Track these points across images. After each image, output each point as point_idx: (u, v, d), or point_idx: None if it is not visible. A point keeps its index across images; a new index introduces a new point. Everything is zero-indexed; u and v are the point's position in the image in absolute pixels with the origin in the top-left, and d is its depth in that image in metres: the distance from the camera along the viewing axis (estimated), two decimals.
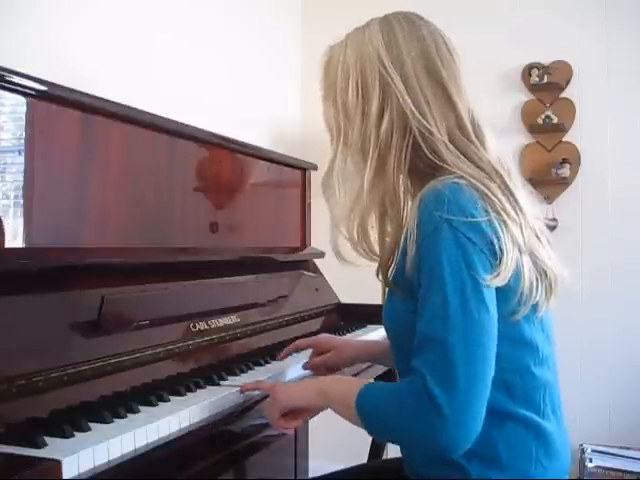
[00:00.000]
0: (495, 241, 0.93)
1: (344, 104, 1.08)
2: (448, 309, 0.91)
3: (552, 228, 2.51)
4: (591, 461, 2.44)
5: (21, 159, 1.11)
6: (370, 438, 1.96)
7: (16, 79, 1.07)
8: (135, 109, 1.34)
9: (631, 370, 2.64)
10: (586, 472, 2.42)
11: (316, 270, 2.02)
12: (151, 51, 2.07)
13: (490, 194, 0.96)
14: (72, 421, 0.91)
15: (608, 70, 2.70)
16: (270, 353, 1.44)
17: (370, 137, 1.04)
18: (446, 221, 0.92)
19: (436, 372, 0.90)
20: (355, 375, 1.45)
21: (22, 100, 1.11)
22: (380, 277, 1.10)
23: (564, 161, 2.70)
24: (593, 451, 2.48)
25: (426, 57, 1.04)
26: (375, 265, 1.11)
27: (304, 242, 2.09)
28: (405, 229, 0.99)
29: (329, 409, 1.06)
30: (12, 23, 1.59)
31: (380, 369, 1.65)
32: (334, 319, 1.96)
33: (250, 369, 1.32)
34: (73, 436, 0.88)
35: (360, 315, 1.96)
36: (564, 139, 2.75)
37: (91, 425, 0.92)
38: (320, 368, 1.35)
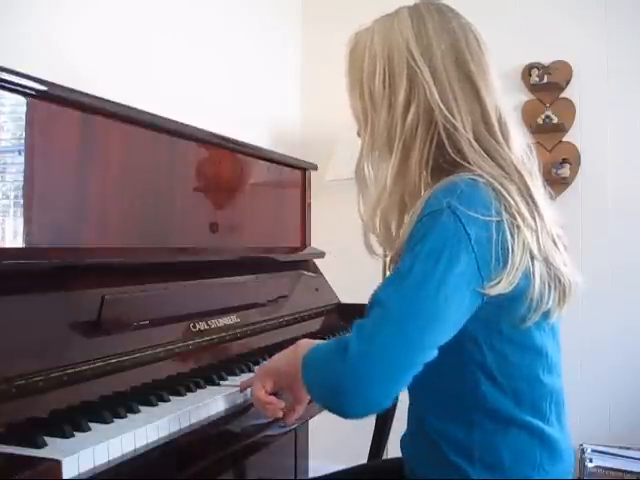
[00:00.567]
0: (501, 245, 0.91)
1: (371, 93, 1.04)
2: (405, 278, 0.89)
3: None
4: (591, 461, 2.43)
5: (21, 159, 1.11)
6: (370, 438, 1.97)
7: (16, 79, 1.07)
8: (135, 109, 1.34)
9: (631, 370, 2.64)
10: (586, 472, 2.42)
11: (316, 270, 2.02)
12: (151, 51, 2.07)
13: (507, 195, 0.94)
14: (72, 421, 0.91)
15: (608, 70, 2.70)
16: (270, 353, 1.44)
17: (396, 128, 1.02)
18: (450, 207, 0.90)
19: (364, 327, 0.89)
20: None
21: (22, 100, 1.11)
22: (392, 268, 1.07)
23: (564, 161, 2.70)
24: (593, 451, 2.48)
25: (456, 50, 1.02)
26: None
27: (304, 242, 2.09)
28: (411, 213, 0.97)
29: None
30: (12, 23, 1.59)
31: None
32: (334, 319, 1.95)
33: (250, 369, 1.32)
34: (73, 436, 0.88)
35: (360, 315, 1.94)
36: (564, 139, 2.75)
37: (91, 425, 0.92)
38: None
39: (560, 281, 0.98)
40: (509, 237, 0.91)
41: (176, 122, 1.46)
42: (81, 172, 1.24)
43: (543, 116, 2.74)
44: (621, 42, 2.68)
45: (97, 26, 1.86)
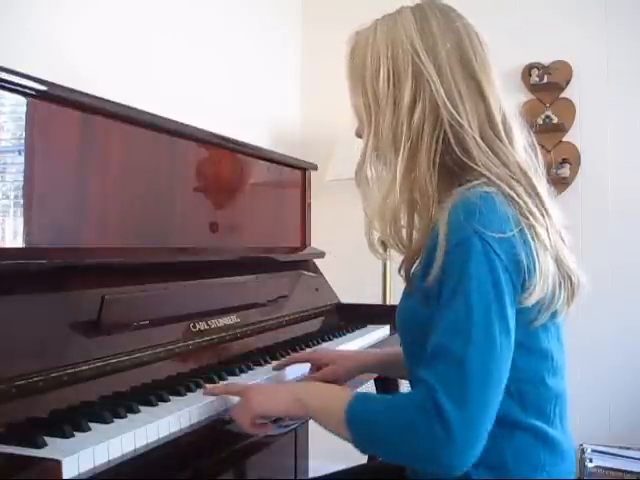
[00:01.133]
0: (528, 252, 0.91)
1: (374, 92, 1.03)
2: (470, 325, 0.87)
3: None
4: (591, 461, 2.43)
5: (21, 159, 1.11)
6: None
7: (16, 79, 1.07)
8: (135, 109, 1.34)
9: (631, 370, 2.64)
10: (586, 472, 2.42)
11: (316, 270, 2.02)
12: (151, 51, 2.07)
13: (516, 197, 0.94)
14: (72, 421, 0.91)
15: (608, 70, 2.70)
16: (270, 353, 1.44)
17: (402, 128, 1.00)
18: (477, 232, 0.89)
19: (450, 387, 0.86)
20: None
21: (22, 100, 1.10)
22: (402, 273, 1.07)
23: (564, 161, 2.70)
24: (593, 451, 2.48)
25: (460, 50, 1.01)
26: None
27: (304, 242, 2.09)
28: (431, 235, 0.96)
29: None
30: (12, 23, 1.59)
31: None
32: (334, 319, 1.96)
33: (250, 369, 1.32)
34: (73, 436, 0.88)
35: (360, 315, 1.96)
36: (564, 139, 2.75)
37: (91, 425, 0.92)
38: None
39: (571, 280, 0.98)
40: (531, 241, 0.92)
41: (176, 122, 1.46)
42: (81, 172, 1.24)
43: (543, 116, 2.74)
44: (621, 42, 2.68)
45: (97, 26, 1.86)
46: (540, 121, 2.74)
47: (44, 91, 1.13)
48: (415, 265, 1.04)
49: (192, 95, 2.21)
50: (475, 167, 0.97)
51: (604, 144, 2.70)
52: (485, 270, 0.89)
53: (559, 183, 2.72)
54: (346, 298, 2.06)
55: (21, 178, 1.11)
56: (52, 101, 1.16)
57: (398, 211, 1.04)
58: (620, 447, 2.50)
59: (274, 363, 1.36)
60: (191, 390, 1.14)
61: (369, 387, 1.87)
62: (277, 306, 1.70)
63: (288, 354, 1.43)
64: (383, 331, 1.87)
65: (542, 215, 0.95)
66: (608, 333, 2.65)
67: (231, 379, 1.25)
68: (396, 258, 1.11)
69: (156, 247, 1.41)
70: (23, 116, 1.11)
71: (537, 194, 0.97)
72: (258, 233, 1.85)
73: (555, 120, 2.73)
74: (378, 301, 2.71)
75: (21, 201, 1.11)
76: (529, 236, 0.92)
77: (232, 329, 1.46)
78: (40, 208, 1.15)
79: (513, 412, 0.96)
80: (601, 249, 2.64)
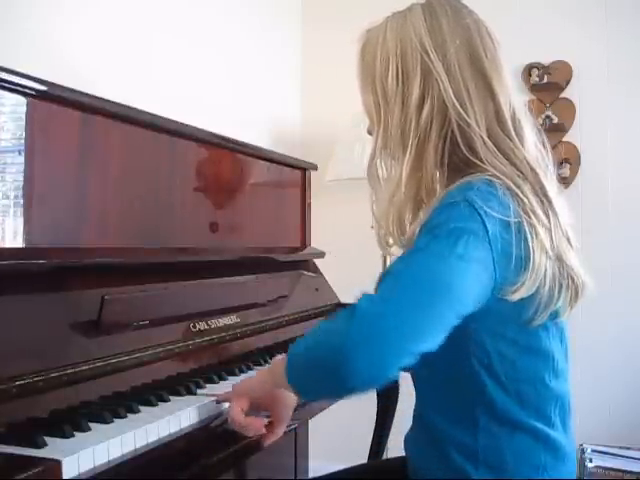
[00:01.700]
0: (523, 246, 0.90)
1: (383, 90, 1.03)
2: (423, 253, 0.88)
3: None
4: (591, 461, 2.43)
5: (21, 159, 1.11)
6: (370, 438, 1.96)
7: (16, 79, 1.07)
8: (135, 109, 1.34)
9: (631, 370, 2.63)
10: (586, 472, 2.42)
11: (316, 270, 2.02)
12: (151, 51, 2.07)
13: (521, 194, 0.93)
14: (72, 421, 0.91)
15: (608, 70, 2.70)
16: (270, 353, 1.44)
17: (410, 125, 1.00)
18: (467, 199, 0.89)
19: (373, 296, 0.86)
20: None
21: (22, 100, 1.10)
22: None
23: (564, 161, 2.70)
24: (593, 451, 2.47)
25: (470, 46, 1.01)
26: None
27: (304, 242, 2.09)
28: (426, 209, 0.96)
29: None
30: (12, 23, 1.59)
31: None
32: None
33: (250, 369, 1.32)
34: (73, 436, 0.88)
35: None
36: (564, 139, 2.75)
37: (91, 425, 0.92)
38: None
39: (573, 280, 0.97)
40: (529, 237, 0.91)
41: (176, 122, 1.46)
42: (81, 172, 1.24)
43: (543, 116, 2.74)
44: (621, 42, 2.68)
45: (97, 26, 1.85)
46: (540, 121, 2.74)
47: (44, 91, 1.13)
48: None
49: (192, 95, 2.20)
50: (482, 165, 0.96)
51: (604, 144, 2.70)
52: (465, 227, 0.87)
53: (559, 183, 2.71)
54: (346, 298, 2.06)
55: (21, 178, 1.11)
56: (52, 101, 1.16)
57: (404, 209, 1.03)
58: (620, 447, 2.50)
59: None
60: (191, 390, 1.14)
61: None
62: (277, 306, 1.69)
63: None
64: None
65: (547, 216, 0.95)
66: (608, 333, 2.65)
67: (231, 379, 1.25)
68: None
69: (156, 247, 1.41)
70: (23, 116, 1.11)
71: (544, 193, 0.97)
72: (258, 233, 1.85)
73: (555, 120, 2.73)
74: None
75: (21, 201, 1.11)
76: (528, 233, 0.91)
77: (232, 329, 1.46)
78: (40, 208, 1.15)
79: (512, 412, 0.96)
80: (601, 249, 2.64)
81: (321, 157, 2.52)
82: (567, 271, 0.97)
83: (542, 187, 0.97)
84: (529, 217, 0.92)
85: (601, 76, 2.70)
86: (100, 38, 1.86)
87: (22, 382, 0.95)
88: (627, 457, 2.44)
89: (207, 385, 1.19)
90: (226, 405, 1.09)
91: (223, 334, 1.43)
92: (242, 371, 1.30)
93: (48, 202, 1.17)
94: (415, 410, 1.10)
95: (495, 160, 0.96)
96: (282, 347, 1.50)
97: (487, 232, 0.88)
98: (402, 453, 1.14)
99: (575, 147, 2.74)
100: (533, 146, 1.02)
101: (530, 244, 0.91)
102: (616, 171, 2.69)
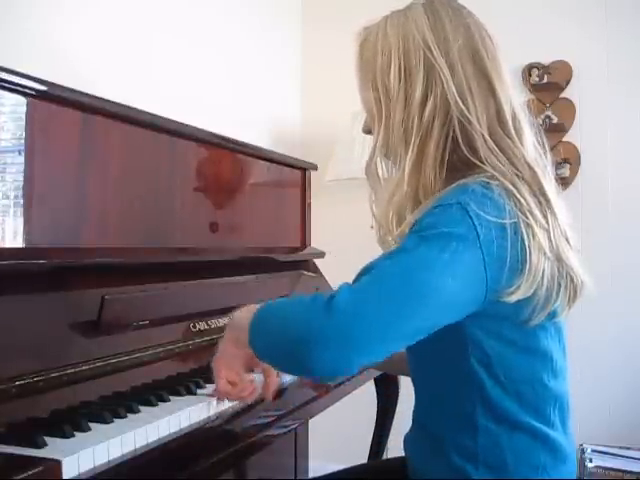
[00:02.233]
0: (519, 247, 0.89)
1: (385, 87, 1.01)
2: (409, 255, 0.87)
3: None
4: (591, 461, 2.43)
5: (21, 159, 1.11)
6: (370, 438, 1.96)
7: (16, 79, 1.07)
8: (135, 109, 1.34)
9: (631, 370, 2.63)
10: (586, 472, 2.42)
11: (316, 270, 2.02)
12: (151, 51, 2.07)
13: (518, 194, 0.93)
14: (72, 421, 0.91)
15: (608, 70, 2.70)
16: None
17: (413, 122, 0.99)
18: (460, 202, 0.89)
19: (355, 289, 0.85)
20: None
21: (22, 100, 1.10)
22: None
23: (564, 161, 2.70)
24: (593, 451, 2.48)
25: (472, 46, 1.00)
26: None
27: (304, 242, 2.09)
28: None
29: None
30: (12, 23, 1.59)
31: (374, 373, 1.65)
32: None
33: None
34: (73, 436, 0.88)
35: None
36: (564, 139, 2.75)
37: (91, 425, 0.92)
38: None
39: (572, 280, 0.97)
40: (526, 238, 0.90)
41: (176, 122, 1.46)
42: (81, 172, 1.24)
43: (543, 116, 2.74)
44: (621, 42, 2.68)
45: (97, 26, 1.86)
46: (540, 121, 2.74)
47: (44, 91, 1.13)
48: None
49: (192, 95, 2.20)
50: (481, 165, 0.96)
51: (604, 144, 2.70)
52: (454, 232, 0.87)
53: (559, 183, 2.71)
54: None
55: (21, 178, 1.11)
56: (52, 101, 1.16)
57: (403, 208, 1.03)
58: (620, 447, 2.50)
59: None
60: (191, 390, 1.14)
61: (369, 387, 1.87)
62: None
63: None
64: None
65: (544, 216, 0.94)
66: (608, 333, 2.65)
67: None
68: None
69: (156, 247, 1.41)
70: (23, 116, 1.11)
71: (543, 193, 0.96)
72: (258, 233, 1.85)
73: (555, 120, 2.73)
74: None
75: (21, 201, 1.11)
76: (525, 233, 0.91)
77: None
78: (40, 208, 1.15)
79: (511, 411, 0.96)
80: (601, 249, 2.64)
81: (321, 157, 2.52)
82: (566, 271, 0.96)
83: (540, 187, 0.97)
84: (526, 217, 0.91)
85: (601, 76, 2.70)
86: (100, 38, 1.86)
87: (22, 382, 0.95)
88: (627, 457, 2.44)
89: (207, 385, 1.19)
90: (226, 405, 1.09)
91: (223, 334, 1.42)
92: None
93: (48, 202, 1.17)
94: (415, 410, 1.10)
95: (495, 159, 0.96)
96: None
97: (478, 237, 0.87)
98: (402, 453, 1.14)
99: (575, 147, 2.74)
100: (532, 146, 1.02)
101: (527, 245, 0.90)
102: (616, 171, 2.69)
